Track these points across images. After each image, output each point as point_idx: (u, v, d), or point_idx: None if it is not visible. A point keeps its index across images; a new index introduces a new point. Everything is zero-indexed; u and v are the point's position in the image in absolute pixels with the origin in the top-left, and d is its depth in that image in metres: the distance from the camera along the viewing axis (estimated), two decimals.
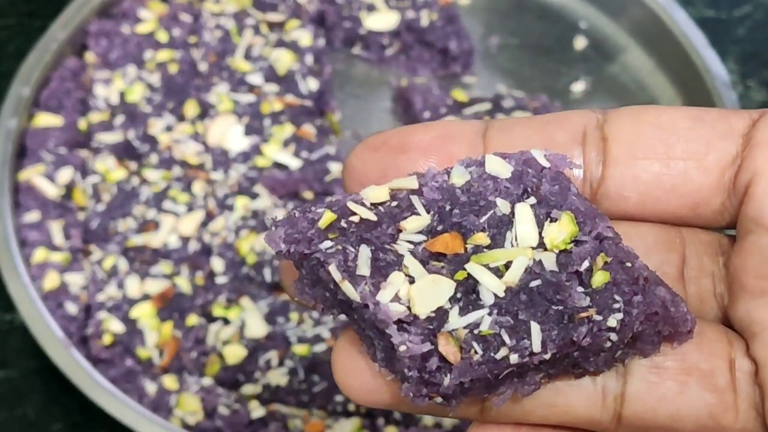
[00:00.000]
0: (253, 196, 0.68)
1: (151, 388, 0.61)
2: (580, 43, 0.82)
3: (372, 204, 0.27)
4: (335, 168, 0.70)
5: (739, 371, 0.27)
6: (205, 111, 0.72)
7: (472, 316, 0.25)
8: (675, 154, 0.28)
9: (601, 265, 0.26)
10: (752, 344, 0.27)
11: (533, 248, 0.26)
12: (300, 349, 0.62)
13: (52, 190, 0.68)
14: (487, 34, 0.82)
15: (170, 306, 0.64)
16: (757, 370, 0.27)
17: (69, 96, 0.73)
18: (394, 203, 0.27)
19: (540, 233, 0.27)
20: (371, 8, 0.79)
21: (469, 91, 0.78)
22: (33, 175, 0.68)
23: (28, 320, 0.61)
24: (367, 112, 0.77)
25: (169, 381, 0.62)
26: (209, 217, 0.68)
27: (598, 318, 0.25)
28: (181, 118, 0.72)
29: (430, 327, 0.25)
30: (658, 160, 0.29)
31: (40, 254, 0.65)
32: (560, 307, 0.25)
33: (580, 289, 0.26)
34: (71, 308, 0.63)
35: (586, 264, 0.26)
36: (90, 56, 0.74)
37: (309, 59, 0.75)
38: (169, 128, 0.72)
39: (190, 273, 0.66)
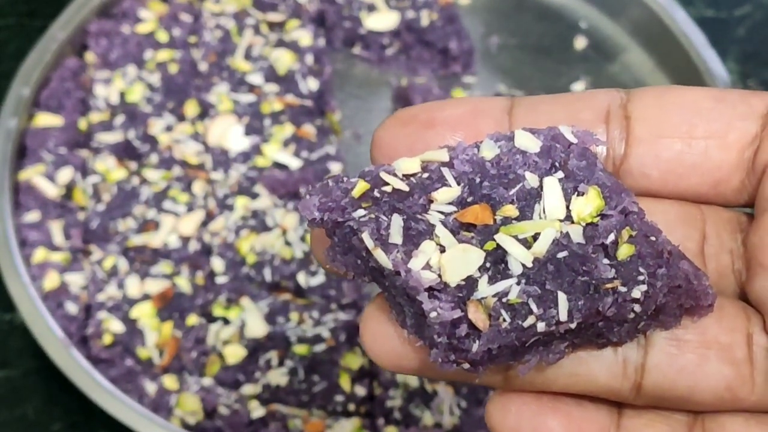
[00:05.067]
0: (253, 196, 0.68)
1: (151, 388, 0.61)
2: (580, 43, 0.82)
3: (404, 175, 0.28)
4: (335, 168, 0.70)
5: (756, 345, 0.28)
6: (205, 111, 0.72)
7: (501, 285, 0.26)
8: (697, 133, 0.29)
9: (626, 238, 0.27)
10: None
11: (560, 221, 0.27)
12: (300, 349, 0.62)
13: (52, 190, 0.68)
14: (487, 34, 0.82)
15: (170, 306, 0.64)
16: None
17: (69, 96, 0.72)
18: (425, 175, 0.28)
19: (567, 206, 0.27)
20: (371, 8, 0.79)
21: (470, 91, 0.78)
22: (33, 175, 0.68)
23: (28, 320, 0.61)
24: (367, 112, 0.77)
25: (169, 381, 0.61)
26: (209, 217, 0.68)
27: (623, 289, 0.26)
28: (181, 118, 0.72)
29: (460, 295, 0.26)
30: (680, 139, 0.29)
31: (40, 254, 0.65)
32: (586, 278, 0.26)
33: (606, 261, 0.26)
34: (71, 308, 0.63)
35: (611, 237, 0.27)
36: (90, 56, 0.74)
37: (309, 59, 0.75)
38: (169, 128, 0.72)
39: (190, 273, 0.66)
